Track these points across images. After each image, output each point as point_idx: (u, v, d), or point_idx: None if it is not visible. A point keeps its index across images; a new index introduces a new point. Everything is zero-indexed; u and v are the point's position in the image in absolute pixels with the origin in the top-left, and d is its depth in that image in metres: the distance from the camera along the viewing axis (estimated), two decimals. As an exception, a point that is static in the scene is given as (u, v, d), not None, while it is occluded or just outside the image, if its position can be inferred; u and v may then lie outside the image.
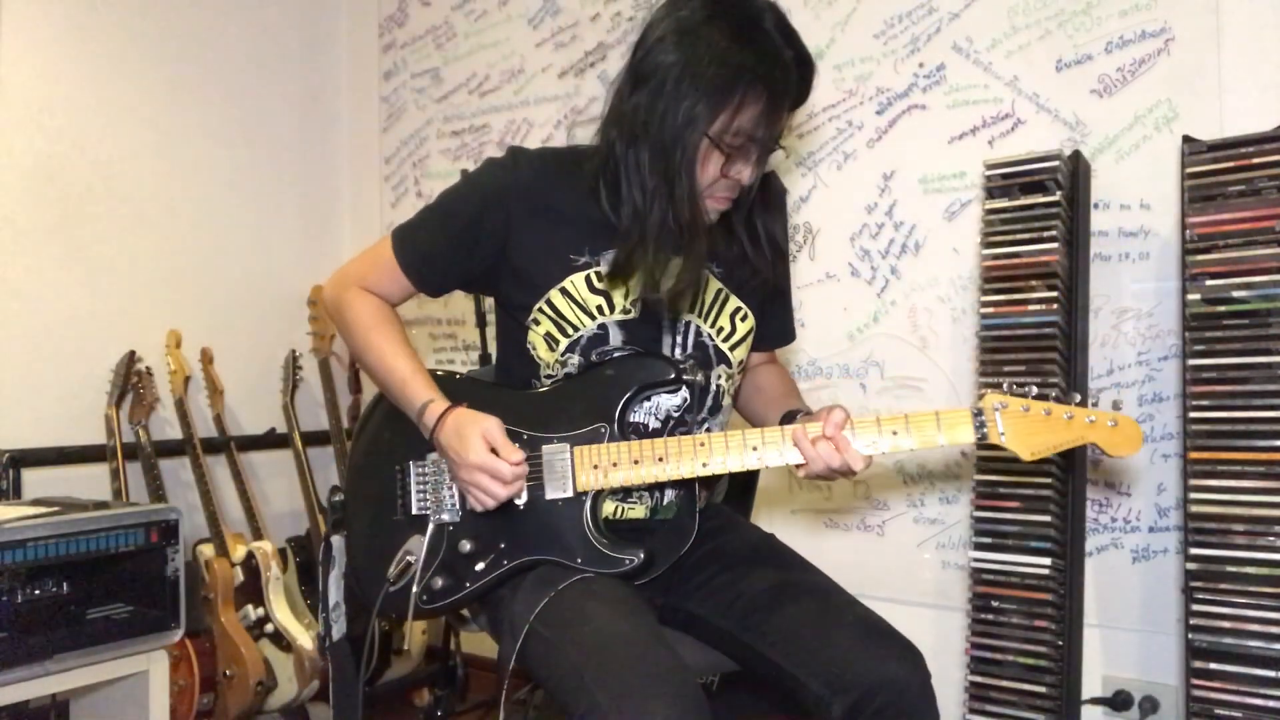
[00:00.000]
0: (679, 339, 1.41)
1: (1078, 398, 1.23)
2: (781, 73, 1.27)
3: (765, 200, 1.43)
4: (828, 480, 1.30)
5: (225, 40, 2.89)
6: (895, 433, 1.24)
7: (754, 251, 1.42)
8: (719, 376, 1.43)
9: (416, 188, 3.06)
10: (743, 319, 1.45)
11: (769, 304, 1.51)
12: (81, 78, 2.55)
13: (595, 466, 1.32)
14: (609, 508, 1.39)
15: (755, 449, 1.28)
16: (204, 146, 2.82)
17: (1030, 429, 1.22)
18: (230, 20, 2.90)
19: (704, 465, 1.29)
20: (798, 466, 1.28)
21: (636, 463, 1.31)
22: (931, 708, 1.23)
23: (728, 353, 1.44)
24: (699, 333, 1.41)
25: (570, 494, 1.33)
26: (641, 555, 1.31)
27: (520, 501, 1.34)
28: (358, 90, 3.21)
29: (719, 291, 1.43)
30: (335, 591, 1.51)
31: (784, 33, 1.29)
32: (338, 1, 3.22)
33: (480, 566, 1.35)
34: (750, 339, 1.47)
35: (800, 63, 1.30)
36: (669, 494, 1.42)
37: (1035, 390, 1.24)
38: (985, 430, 1.23)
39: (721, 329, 1.43)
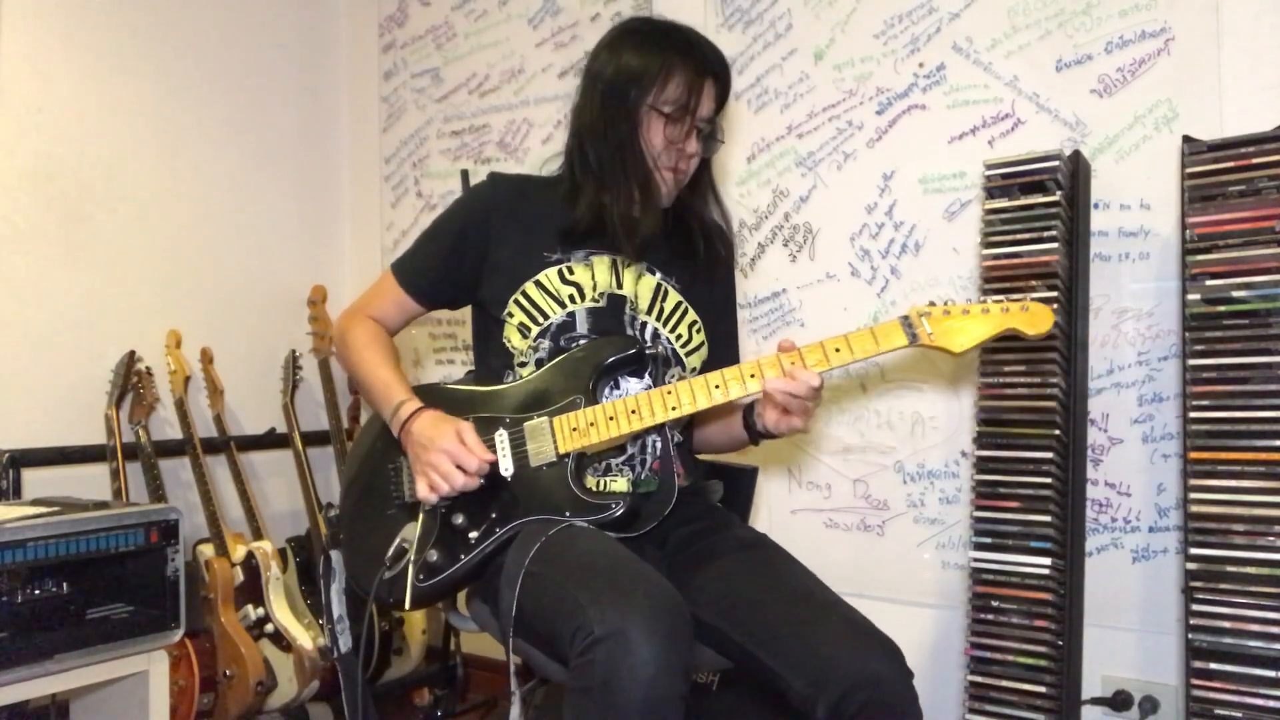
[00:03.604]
0: (636, 334, 1.52)
1: (991, 299, 1.37)
2: (698, 53, 1.51)
3: (714, 198, 1.65)
4: (801, 418, 1.41)
5: (225, 40, 2.89)
6: (839, 350, 1.37)
7: (705, 241, 1.61)
8: (673, 376, 1.53)
9: (416, 188, 3.06)
10: (698, 330, 1.59)
11: (717, 336, 1.63)
12: (81, 78, 2.56)
13: (575, 429, 1.42)
14: (591, 482, 1.45)
15: (718, 386, 1.39)
16: (204, 146, 2.82)
17: (954, 327, 1.35)
18: (230, 20, 2.90)
19: (673, 410, 1.39)
20: (771, 417, 1.42)
21: (612, 419, 1.40)
22: (914, 704, 1.24)
23: (684, 357, 1.56)
24: (657, 335, 1.54)
25: (554, 458, 1.42)
26: (627, 501, 1.39)
27: (507, 474, 1.42)
28: (358, 90, 3.21)
29: (679, 304, 1.57)
30: (338, 604, 1.56)
31: (698, 36, 1.54)
32: (337, 1, 3.22)
33: (474, 536, 1.41)
34: (704, 351, 1.59)
35: (718, 55, 1.53)
36: (646, 469, 1.48)
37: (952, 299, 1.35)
38: (915, 333, 1.35)
39: (680, 335, 1.56)
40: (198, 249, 2.79)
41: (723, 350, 1.66)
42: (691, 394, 1.39)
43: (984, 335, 1.34)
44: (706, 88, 1.50)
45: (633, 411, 1.39)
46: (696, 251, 1.60)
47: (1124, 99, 1.91)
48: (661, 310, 1.55)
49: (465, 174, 2.51)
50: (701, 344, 1.58)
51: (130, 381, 2.49)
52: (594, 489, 1.44)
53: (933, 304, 1.37)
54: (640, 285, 1.55)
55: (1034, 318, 1.34)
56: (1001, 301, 1.36)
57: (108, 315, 2.58)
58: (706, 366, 1.60)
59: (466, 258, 1.55)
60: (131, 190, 2.64)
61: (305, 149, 3.11)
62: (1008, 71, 2.03)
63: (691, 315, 1.58)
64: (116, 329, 2.58)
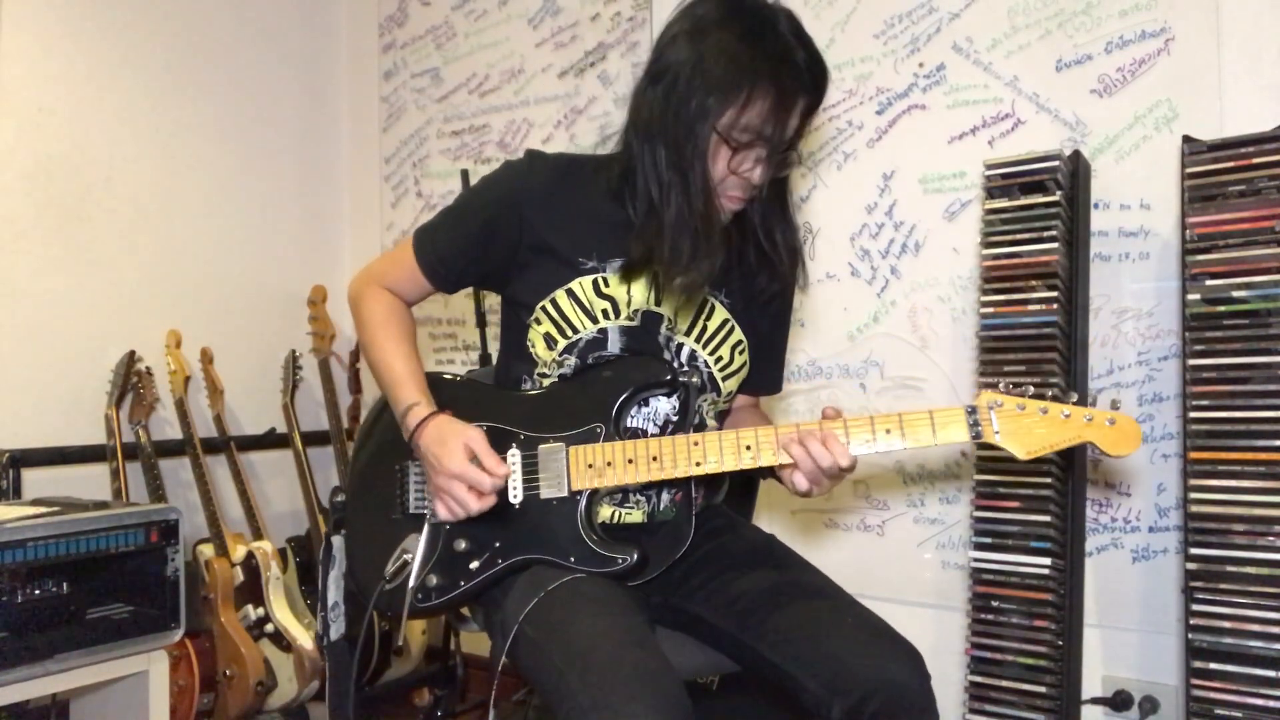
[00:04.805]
0: (670, 357, 1.41)
1: (1074, 397, 1.21)
2: (791, 72, 1.28)
3: (784, 215, 1.46)
4: (819, 488, 1.27)
5: (225, 40, 2.89)
6: (889, 431, 1.23)
7: (768, 261, 1.44)
8: (705, 401, 1.43)
9: (416, 188, 3.06)
10: (741, 352, 1.46)
11: (763, 350, 1.52)
12: (81, 77, 2.56)
13: (590, 466, 1.31)
14: (606, 512, 1.39)
15: (749, 448, 1.27)
16: (204, 146, 2.82)
17: (1026, 428, 1.20)
18: (230, 20, 2.90)
19: (698, 465, 1.28)
20: (789, 471, 1.26)
21: (631, 462, 1.30)
22: (931, 709, 1.22)
23: (720, 382, 1.44)
24: (694, 356, 1.42)
25: (565, 493, 1.33)
26: (635, 555, 1.30)
27: (516, 501, 1.34)
28: (358, 90, 3.21)
29: (725, 321, 1.45)
30: (335, 591, 1.51)
31: (797, 35, 1.30)
32: (338, 2, 3.22)
33: (474, 565, 1.35)
34: (744, 373, 1.48)
35: (812, 65, 1.30)
36: (665, 499, 1.42)
37: (1031, 389, 1.23)
38: (980, 429, 1.21)
39: (720, 358, 1.44)
40: (198, 249, 2.79)
41: (765, 374, 1.56)
42: (720, 452, 1.27)
43: (1057, 446, 1.21)
44: (795, 110, 1.30)
45: (654, 458, 1.28)
46: (754, 266, 1.44)
47: (1124, 99, 1.91)
48: (704, 330, 1.42)
49: (465, 174, 2.51)
50: (743, 366, 1.46)
51: (130, 381, 2.49)
52: (608, 520, 1.38)
53: (1006, 392, 1.22)
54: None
55: (1120, 437, 1.18)
56: (1089, 405, 1.20)
57: (108, 315, 2.58)
58: (745, 387, 1.51)
59: (493, 250, 1.41)
60: (131, 190, 2.64)
61: (305, 149, 3.11)
62: (1008, 71, 2.03)
63: (737, 335, 1.45)
64: (116, 329, 2.58)
